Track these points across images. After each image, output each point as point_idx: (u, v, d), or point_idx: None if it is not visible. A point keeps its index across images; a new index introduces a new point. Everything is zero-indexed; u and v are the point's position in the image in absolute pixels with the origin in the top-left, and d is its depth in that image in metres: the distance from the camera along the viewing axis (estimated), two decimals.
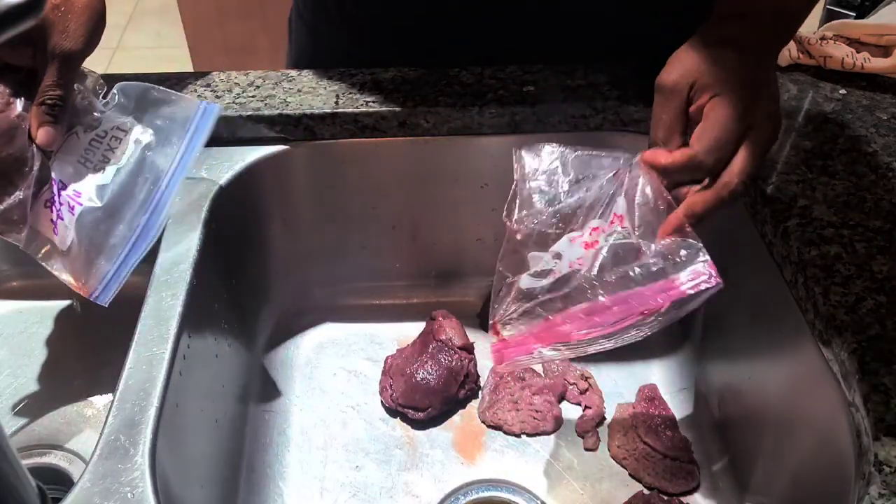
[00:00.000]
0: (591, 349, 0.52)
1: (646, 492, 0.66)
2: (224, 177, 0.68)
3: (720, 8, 0.56)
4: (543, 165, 0.55)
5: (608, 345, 0.52)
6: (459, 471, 0.68)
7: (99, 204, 0.59)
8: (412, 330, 0.78)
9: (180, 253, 0.61)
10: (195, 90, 0.72)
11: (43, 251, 0.59)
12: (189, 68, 1.97)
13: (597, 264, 0.52)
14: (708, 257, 0.50)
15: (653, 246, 0.51)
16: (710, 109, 0.52)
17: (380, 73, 0.74)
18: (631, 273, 0.50)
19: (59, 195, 0.58)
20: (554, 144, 0.55)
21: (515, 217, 0.55)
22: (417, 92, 0.72)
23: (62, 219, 0.58)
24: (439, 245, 0.80)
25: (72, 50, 0.55)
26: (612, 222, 0.53)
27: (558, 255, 0.54)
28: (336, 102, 0.71)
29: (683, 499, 0.66)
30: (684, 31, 0.57)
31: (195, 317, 0.59)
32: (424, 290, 0.82)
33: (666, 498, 0.65)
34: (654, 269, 0.50)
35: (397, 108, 0.70)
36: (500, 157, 0.74)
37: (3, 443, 0.38)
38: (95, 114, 0.60)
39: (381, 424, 0.72)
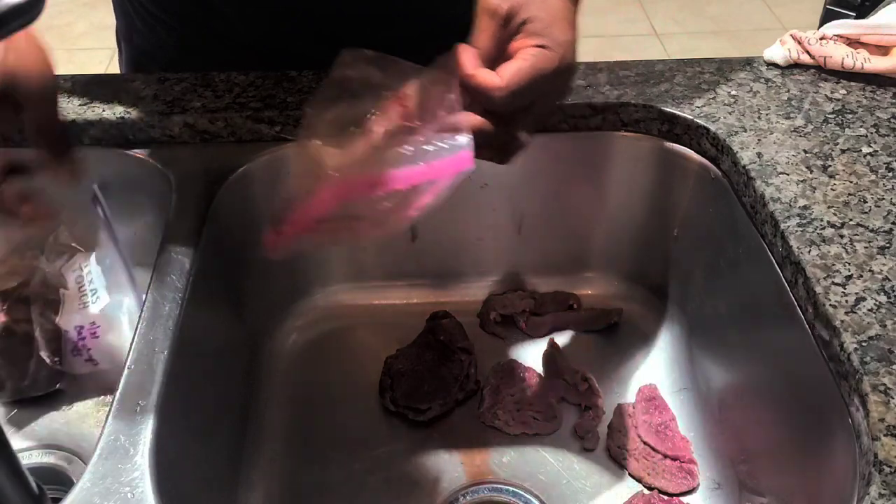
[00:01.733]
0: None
1: (646, 492, 0.66)
2: (224, 177, 0.68)
3: None
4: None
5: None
6: (459, 471, 0.68)
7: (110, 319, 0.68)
8: (412, 330, 0.78)
9: (180, 253, 0.61)
10: (195, 90, 0.72)
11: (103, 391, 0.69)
12: None
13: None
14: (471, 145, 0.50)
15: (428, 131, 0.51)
16: (528, 56, 0.50)
17: None
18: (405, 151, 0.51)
19: (80, 340, 0.67)
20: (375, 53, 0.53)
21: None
22: None
23: (91, 348, 0.67)
24: (439, 245, 0.80)
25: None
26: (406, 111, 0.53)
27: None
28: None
29: (683, 499, 0.66)
30: None
31: (195, 317, 0.59)
32: (424, 290, 0.82)
33: (666, 498, 0.65)
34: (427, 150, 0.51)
35: None
36: None
37: (3, 443, 0.38)
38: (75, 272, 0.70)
39: (380, 425, 0.72)
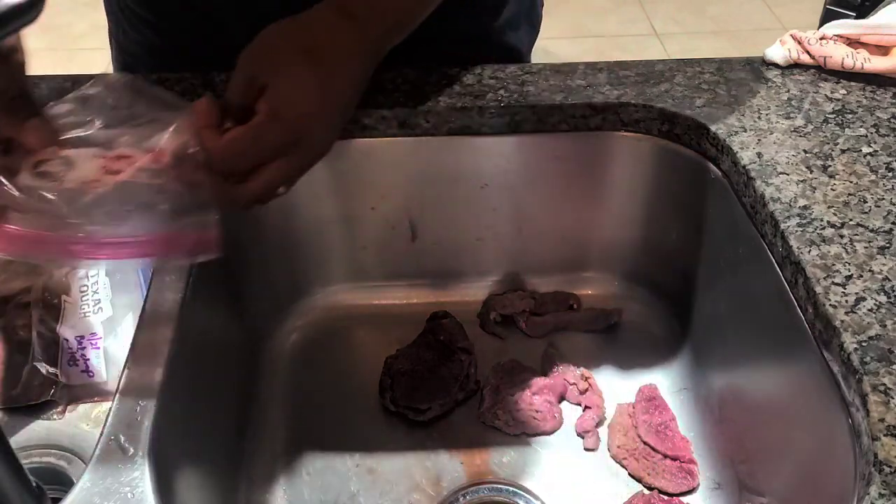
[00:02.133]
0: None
1: (646, 492, 0.66)
2: None
3: None
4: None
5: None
6: (459, 471, 0.68)
7: (111, 332, 0.67)
8: (412, 330, 0.78)
9: None
10: (195, 90, 0.72)
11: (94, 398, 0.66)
12: None
13: (105, 193, 0.48)
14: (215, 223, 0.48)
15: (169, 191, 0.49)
16: (253, 123, 0.51)
17: (380, 72, 0.74)
18: (140, 212, 0.48)
19: (78, 350, 0.66)
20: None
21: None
22: (417, 92, 0.72)
23: (89, 359, 0.66)
24: (439, 245, 0.80)
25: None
26: (151, 157, 0.50)
27: (70, 164, 0.50)
28: None
29: (683, 499, 0.66)
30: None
31: (195, 317, 0.59)
32: (424, 290, 0.82)
33: (666, 498, 0.65)
34: (162, 214, 0.48)
35: (397, 108, 0.70)
36: (500, 157, 0.74)
37: (3, 443, 0.38)
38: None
39: (381, 425, 0.72)
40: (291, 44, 0.53)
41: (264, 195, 0.54)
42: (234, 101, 0.53)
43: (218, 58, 0.74)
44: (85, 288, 0.69)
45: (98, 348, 0.67)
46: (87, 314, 0.67)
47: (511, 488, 0.67)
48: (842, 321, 0.51)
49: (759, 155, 0.65)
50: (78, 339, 0.67)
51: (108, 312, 0.68)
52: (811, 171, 0.63)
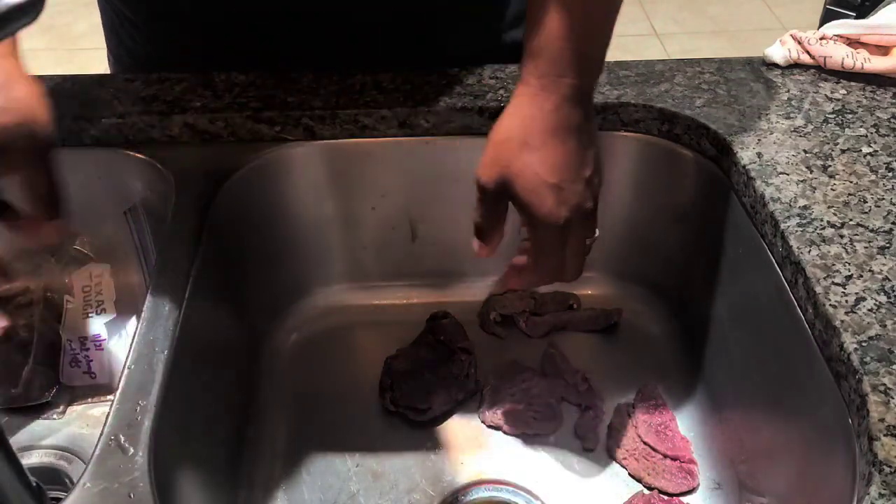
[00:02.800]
0: None
1: (646, 492, 0.66)
2: (224, 177, 0.68)
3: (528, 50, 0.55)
4: None
5: None
6: (459, 471, 0.68)
7: (113, 335, 0.68)
8: (412, 330, 0.78)
9: (180, 253, 0.61)
10: (195, 90, 0.72)
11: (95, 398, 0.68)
12: None
13: None
14: None
15: None
16: (529, 236, 0.56)
17: (380, 72, 0.74)
18: None
19: (81, 352, 0.66)
20: None
21: None
22: (417, 92, 0.72)
23: (92, 360, 0.67)
24: (439, 245, 0.80)
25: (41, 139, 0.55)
26: None
27: None
28: (336, 102, 0.71)
29: (683, 499, 0.66)
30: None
31: (195, 317, 0.58)
32: (424, 290, 0.82)
33: (666, 498, 0.65)
34: None
35: (397, 108, 0.70)
36: None
37: (3, 443, 0.38)
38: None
39: (380, 425, 0.72)
40: (510, 147, 0.54)
41: (582, 258, 0.59)
42: (491, 223, 0.58)
43: (209, 59, 0.75)
44: (88, 289, 0.69)
45: (101, 350, 0.67)
46: (89, 315, 0.67)
47: (511, 488, 0.67)
48: (842, 321, 0.51)
49: (759, 155, 0.65)
50: (81, 340, 0.67)
51: (111, 314, 0.68)
52: (811, 171, 0.63)
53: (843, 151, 0.65)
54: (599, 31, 0.55)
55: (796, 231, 0.58)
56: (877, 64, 0.73)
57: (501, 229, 0.58)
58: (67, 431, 0.68)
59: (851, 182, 0.62)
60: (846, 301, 0.52)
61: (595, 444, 0.70)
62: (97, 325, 0.67)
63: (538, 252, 0.56)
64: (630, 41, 2.67)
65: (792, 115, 0.69)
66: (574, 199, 0.54)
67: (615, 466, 0.68)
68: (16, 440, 0.66)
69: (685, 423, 0.71)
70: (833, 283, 0.54)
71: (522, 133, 0.54)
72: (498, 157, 0.55)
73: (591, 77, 0.56)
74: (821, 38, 0.74)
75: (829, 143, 0.66)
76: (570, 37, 0.53)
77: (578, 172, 0.54)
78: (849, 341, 0.50)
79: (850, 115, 0.69)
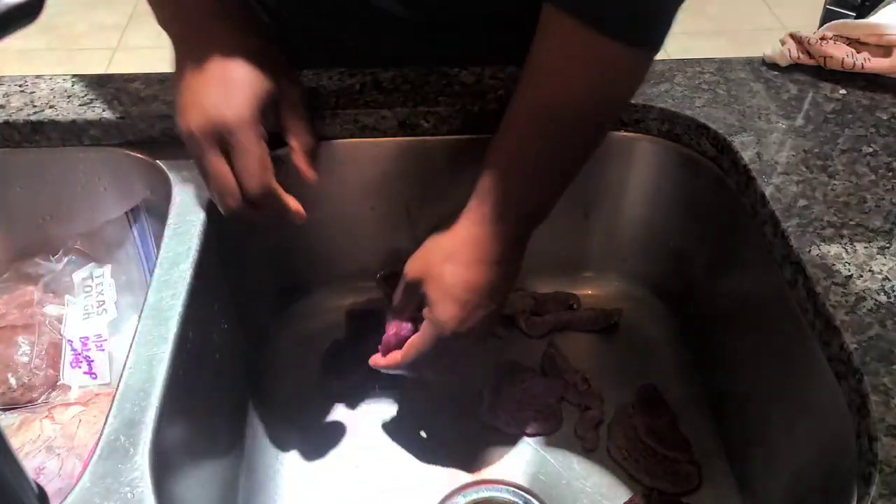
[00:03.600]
0: None
1: (646, 492, 0.66)
2: None
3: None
4: None
5: None
6: (459, 471, 0.68)
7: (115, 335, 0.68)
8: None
9: (180, 253, 0.61)
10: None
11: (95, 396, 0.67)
12: None
13: None
14: None
15: None
16: (422, 329, 0.61)
17: (380, 72, 0.74)
18: None
19: (83, 352, 0.67)
20: None
21: None
22: (417, 92, 0.72)
23: (93, 361, 0.67)
24: None
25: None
26: None
27: None
28: (336, 102, 0.71)
29: (683, 499, 0.66)
30: None
31: (195, 317, 0.58)
32: None
33: (666, 498, 0.65)
34: None
35: (397, 108, 0.70)
36: None
37: (3, 443, 0.38)
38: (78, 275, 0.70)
39: (380, 425, 0.72)
40: (438, 254, 0.61)
41: (451, 363, 0.64)
42: (402, 307, 0.64)
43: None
44: (89, 289, 0.69)
45: (103, 350, 0.67)
46: (91, 315, 0.67)
47: (511, 488, 0.67)
48: (842, 321, 0.51)
49: (759, 155, 0.65)
50: (82, 340, 0.67)
51: (112, 314, 0.68)
52: (811, 171, 0.63)
53: (843, 151, 0.65)
54: (542, 194, 0.61)
55: (796, 231, 0.58)
56: (877, 64, 0.73)
57: (410, 316, 0.63)
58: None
59: (851, 182, 0.62)
60: (846, 301, 0.52)
61: (595, 444, 0.70)
62: (99, 325, 0.67)
63: (420, 342, 0.61)
64: None
65: (792, 115, 0.69)
66: (470, 322, 0.59)
67: (615, 466, 0.68)
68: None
69: (685, 423, 0.71)
70: (833, 283, 0.54)
71: (453, 247, 0.60)
72: (425, 257, 0.61)
73: (529, 227, 0.61)
74: (821, 38, 0.74)
75: (829, 143, 0.66)
76: (512, 193, 0.59)
77: (486, 301, 0.59)
78: (849, 341, 0.50)
79: (850, 115, 0.69)
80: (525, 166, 0.59)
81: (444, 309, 0.59)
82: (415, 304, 0.62)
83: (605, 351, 0.78)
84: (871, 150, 0.65)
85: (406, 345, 0.62)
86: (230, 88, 0.58)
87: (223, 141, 0.57)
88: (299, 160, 0.63)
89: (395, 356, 0.63)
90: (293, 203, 0.61)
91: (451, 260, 0.59)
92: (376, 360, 0.64)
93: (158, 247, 0.62)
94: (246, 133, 0.57)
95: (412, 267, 0.62)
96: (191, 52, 0.60)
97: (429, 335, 0.60)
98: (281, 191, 0.60)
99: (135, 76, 0.74)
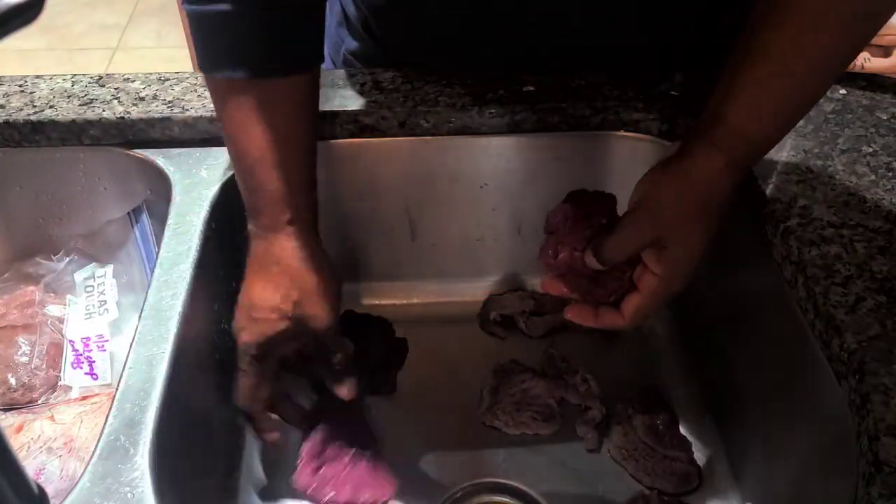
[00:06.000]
0: None
1: (646, 492, 0.66)
2: (224, 177, 0.68)
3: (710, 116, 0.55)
4: None
5: None
6: (459, 472, 0.68)
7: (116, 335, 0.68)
8: (412, 329, 0.78)
9: (180, 253, 0.61)
10: (195, 90, 0.72)
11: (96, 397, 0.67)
12: (189, 68, 1.97)
13: None
14: None
15: None
16: (646, 292, 0.56)
17: (379, 73, 0.74)
18: None
19: (84, 352, 0.67)
20: None
21: None
22: (417, 92, 0.72)
23: (94, 361, 0.67)
24: (439, 245, 0.80)
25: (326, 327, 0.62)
26: None
27: None
28: (336, 102, 0.71)
29: (683, 499, 0.66)
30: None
31: (195, 317, 0.59)
32: (424, 290, 0.82)
33: (666, 498, 0.65)
34: None
35: (397, 108, 0.70)
36: (499, 157, 0.74)
37: (2, 443, 0.38)
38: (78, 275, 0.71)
39: (380, 425, 0.72)
40: (686, 203, 0.54)
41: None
42: (617, 258, 0.56)
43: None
44: (91, 289, 0.69)
45: (104, 350, 0.67)
46: (92, 315, 0.67)
47: (511, 489, 0.67)
48: (842, 321, 0.51)
49: None
50: (84, 340, 0.67)
51: (114, 314, 0.68)
52: (811, 171, 0.63)
53: (843, 151, 0.65)
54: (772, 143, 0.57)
55: (796, 231, 0.58)
56: (877, 64, 0.73)
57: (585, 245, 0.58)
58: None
59: (851, 182, 0.62)
60: (846, 301, 0.52)
61: (595, 444, 0.70)
62: (100, 326, 0.67)
63: (648, 303, 0.56)
64: None
65: None
66: (688, 281, 0.56)
67: (615, 466, 0.68)
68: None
69: (685, 423, 0.71)
70: (833, 283, 0.54)
71: (695, 198, 0.54)
72: (661, 205, 0.54)
73: (747, 164, 0.56)
74: None
75: (829, 143, 0.66)
76: (761, 142, 0.54)
77: (698, 262, 0.56)
78: (849, 341, 0.50)
79: (849, 115, 0.69)
80: (780, 110, 0.54)
81: (685, 269, 0.55)
82: (638, 248, 0.56)
83: (605, 351, 0.78)
84: (871, 150, 0.65)
85: (630, 306, 0.57)
86: (252, 320, 0.60)
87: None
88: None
89: (617, 318, 0.58)
90: (271, 436, 0.65)
91: (694, 217, 0.54)
92: (583, 315, 0.60)
93: (157, 246, 0.62)
94: (258, 367, 0.61)
95: (657, 224, 0.54)
96: (253, 237, 0.62)
97: (660, 292, 0.56)
98: (260, 419, 0.64)
99: (135, 76, 0.74)
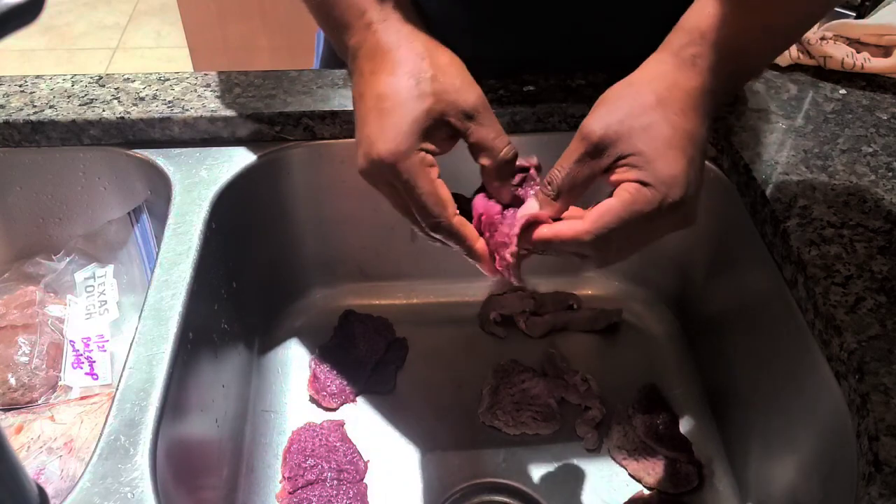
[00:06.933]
0: None
1: (646, 492, 0.66)
2: (224, 177, 0.68)
3: (683, 25, 0.50)
4: None
5: None
6: (458, 472, 0.68)
7: (116, 335, 0.67)
8: (412, 329, 0.78)
9: (180, 253, 0.61)
10: (195, 90, 0.72)
11: (97, 397, 0.67)
12: (189, 68, 1.97)
13: None
14: None
15: None
16: (623, 194, 0.46)
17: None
18: None
19: (84, 353, 0.66)
20: None
21: None
22: None
23: (95, 362, 0.66)
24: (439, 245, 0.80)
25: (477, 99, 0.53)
26: None
27: None
28: (336, 102, 0.71)
29: (683, 499, 0.66)
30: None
31: (195, 317, 0.59)
32: (424, 290, 0.82)
33: (666, 498, 0.65)
34: None
35: None
36: None
37: (2, 443, 0.38)
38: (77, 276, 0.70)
39: (380, 425, 0.72)
40: (639, 100, 0.48)
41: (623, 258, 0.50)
42: (564, 170, 0.49)
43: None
44: (91, 289, 0.69)
45: (105, 350, 0.67)
46: (93, 315, 0.67)
47: (511, 489, 0.67)
48: (842, 321, 0.51)
49: (759, 155, 0.65)
50: (84, 340, 0.67)
51: (114, 314, 0.68)
52: (811, 171, 0.63)
53: (843, 151, 0.65)
54: (770, 48, 0.52)
55: (796, 231, 0.58)
56: (877, 64, 0.73)
57: (581, 193, 0.49)
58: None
59: (851, 182, 0.62)
60: (846, 301, 0.52)
61: (595, 444, 0.70)
62: (100, 326, 0.67)
63: (624, 208, 0.46)
64: None
65: (792, 115, 0.69)
66: (696, 186, 0.47)
67: (615, 466, 0.68)
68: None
69: (685, 423, 0.71)
70: (833, 283, 0.54)
71: (664, 90, 0.47)
72: (618, 108, 0.47)
73: (735, 88, 0.52)
74: (821, 39, 0.74)
75: (828, 143, 0.66)
76: (743, 41, 0.49)
77: (702, 160, 0.48)
78: (849, 341, 0.50)
79: (849, 115, 0.69)
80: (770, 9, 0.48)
81: (669, 163, 0.45)
82: (598, 172, 0.48)
83: (605, 351, 0.78)
84: (871, 150, 0.65)
85: (598, 211, 0.47)
86: (383, 117, 0.50)
87: (389, 181, 0.51)
88: (490, 184, 0.53)
89: (577, 226, 0.47)
90: (480, 245, 0.52)
91: (664, 106, 0.47)
92: (541, 232, 0.48)
93: (157, 246, 0.62)
94: (406, 168, 0.50)
95: (600, 123, 0.47)
96: (354, 68, 0.54)
97: (643, 199, 0.45)
98: (462, 228, 0.52)
99: (135, 76, 0.74)
